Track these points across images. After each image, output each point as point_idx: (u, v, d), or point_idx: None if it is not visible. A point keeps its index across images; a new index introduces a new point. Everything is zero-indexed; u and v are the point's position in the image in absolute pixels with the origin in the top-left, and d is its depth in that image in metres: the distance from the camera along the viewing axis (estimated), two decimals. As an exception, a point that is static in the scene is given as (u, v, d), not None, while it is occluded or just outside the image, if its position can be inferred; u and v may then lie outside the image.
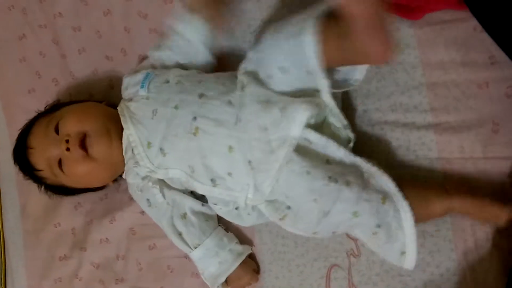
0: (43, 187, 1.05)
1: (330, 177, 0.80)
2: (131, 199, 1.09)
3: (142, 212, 1.08)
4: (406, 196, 0.82)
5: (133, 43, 1.09)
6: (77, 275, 1.14)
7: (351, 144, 0.88)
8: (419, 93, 0.90)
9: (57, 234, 1.16)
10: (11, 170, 1.18)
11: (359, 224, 0.83)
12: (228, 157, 0.84)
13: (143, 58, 1.05)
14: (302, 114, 0.80)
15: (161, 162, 0.90)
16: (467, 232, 0.88)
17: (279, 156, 0.81)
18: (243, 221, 0.93)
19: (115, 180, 1.05)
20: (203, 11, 0.94)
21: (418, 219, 0.82)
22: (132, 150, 0.92)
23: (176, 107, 0.88)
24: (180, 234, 0.96)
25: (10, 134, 1.20)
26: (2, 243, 1.21)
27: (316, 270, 0.98)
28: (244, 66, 0.88)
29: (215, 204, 0.92)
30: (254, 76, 0.86)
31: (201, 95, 0.87)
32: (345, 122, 0.86)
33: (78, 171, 0.94)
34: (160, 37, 1.02)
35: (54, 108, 1.03)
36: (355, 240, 0.95)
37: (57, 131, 0.94)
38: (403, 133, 0.91)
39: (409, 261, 0.84)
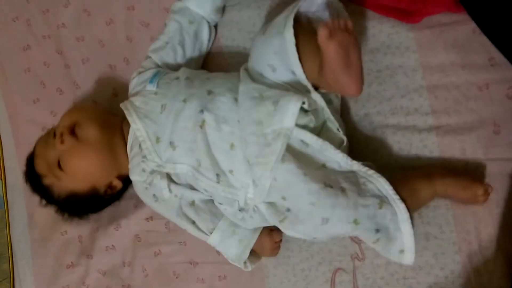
0: (58, 209, 1.04)
1: (325, 183, 0.81)
2: (136, 206, 1.10)
3: (147, 219, 1.09)
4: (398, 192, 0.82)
5: (136, 52, 1.10)
6: (84, 282, 1.15)
7: (344, 145, 0.87)
8: (419, 95, 0.90)
9: (64, 242, 1.17)
10: (18, 179, 1.19)
11: (360, 233, 0.84)
12: (230, 154, 0.86)
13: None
14: (294, 104, 0.80)
15: (169, 156, 0.90)
16: (471, 234, 0.88)
17: (275, 149, 0.81)
18: (246, 224, 0.93)
19: (127, 183, 1.03)
20: None
21: (411, 209, 0.83)
22: (140, 145, 0.92)
23: (184, 101, 0.89)
24: (193, 223, 0.95)
25: (16, 143, 1.21)
26: (10, 252, 1.22)
27: (320, 274, 0.98)
28: (245, 65, 0.91)
29: (221, 204, 0.92)
30: (249, 73, 0.89)
31: (209, 92, 0.89)
32: (336, 124, 0.86)
33: (74, 161, 0.95)
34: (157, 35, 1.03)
35: None
36: (359, 243, 0.95)
37: (55, 134, 0.97)
38: (405, 136, 0.91)
39: (408, 258, 0.84)
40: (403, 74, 0.91)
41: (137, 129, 0.92)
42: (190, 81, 0.93)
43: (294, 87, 0.85)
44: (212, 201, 0.94)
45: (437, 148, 0.90)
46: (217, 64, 1.05)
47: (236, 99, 0.87)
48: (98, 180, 0.99)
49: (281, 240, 0.97)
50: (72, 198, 1.00)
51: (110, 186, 1.01)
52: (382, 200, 0.82)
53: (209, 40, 1.02)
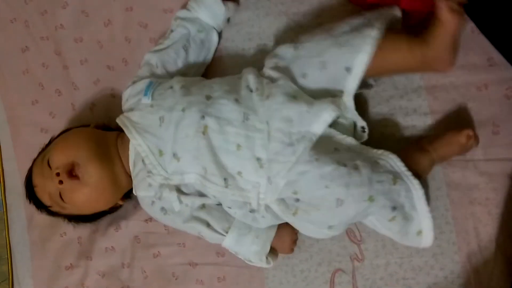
0: (66, 220, 1.05)
1: (338, 162, 0.80)
2: (135, 207, 1.09)
3: (147, 220, 1.09)
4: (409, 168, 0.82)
5: (134, 52, 1.10)
6: (83, 284, 1.14)
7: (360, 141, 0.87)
8: (418, 96, 0.90)
9: (63, 243, 1.16)
10: (17, 181, 1.19)
11: (375, 211, 0.82)
12: (237, 155, 0.85)
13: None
14: (328, 113, 0.81)
15: (175, 168, 0.89)
16: (471, 234, 0.88)
17: (297, 151, 0.81)
18: (259, 224, 0.92)
19: (127, 198, 1.03)
20: None
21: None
22: (143, 160, 0.92)
23: (183, 110, 0.88)
24: (208, 224, 0.94)
25: (15, 145, 1.21)
26: (9, 253, 1.21)
27: (320, 275, 0.98)
28: (275, 61, 0.88)
29: (230, 208, 0.91)
30: (285, 72, 0.87)
31: (208, 97, 0.88)
32: (363, 123, 0.87)
33: (77, 199, 0.94)
34: (158, 40, 1.03)
35: (49, 143, 1.04)
36: (358, 244, 0.95)
37: (50, 165, 0.95)
38: (404, 136, 0.91)
39: (427, 239, 0.83)
40: (402, 75, 0.91)
41: (138, 144, 0.91)
42: (186, 89, 0.91)
43: (328, 91, 0.84)
44: (221, 205, 0.93)
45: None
46: (215, 64, 1.04)
47: (236, 100, 0.86)
48: (103, 207, 1.01)
49: (297, 236, 0.97)
50: (74, 216, 1.03)
51: (114, 205, 1.03)
52: (396, 176, 0.81)
53: (216, 48, 1.02)
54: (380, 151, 0.83)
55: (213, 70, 1.04)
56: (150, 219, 1.09)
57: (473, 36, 0.86)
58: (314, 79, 0.84)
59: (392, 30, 0.82)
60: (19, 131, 1.20)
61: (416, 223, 0.82)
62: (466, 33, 0.87)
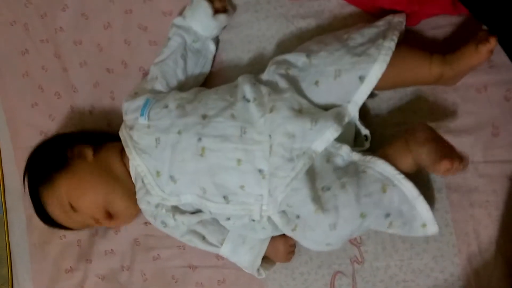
0: None
1: (323, 188, 0.82)
2: (135, 210, 1.09)
3: (146, 223, 1.09)
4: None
5: (134, 55, 1.10)
6: (83, 286, 1.14)
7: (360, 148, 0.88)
8: (417, 98, 0.90)
9: (62, 246, 1.16)
10: (16, 184, 1.19)
11: (370, 223, 0.82)
12: (238, 170, 0.85)
13: (146, 74, 1.06)
14: (331, 132, 0.81)
15: (172, 189, 0.90)
16: (471, 236, 0.88)
17: (296, 167, 0.82)
18: (257, 234, 0.93)
19: None
20: None
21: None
22: (142, 180, 0.93)
23: (179, 132, 0.88)
24: (203, 238, 0.96)
25: (14, 147, 1.21)
26: (8, 256, 1.22)
27: (320, 278, 0.98)
28: (285, 67, 0.87)
29: (228, 219, 0.91)
30: (294, 82, 0.86)
31: (204, 116, 0.88)
32: (367, 131, 0.87)
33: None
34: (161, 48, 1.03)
35: (41, 170, 1.01)
36: (358, 246, 0.95)
37: (73, 208, 0.97)
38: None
39: (432, 229, 0.82)
40: (401, 77, 0.91)
41: (138, 165, 0.92)
42: (182, 108, 0.91)
43: (336, 99, 0.84)
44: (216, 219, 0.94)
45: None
46: (215, 67, 1.04)
47: (232, 115, 0.86)
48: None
49: (295, 245, 0.96)
50: None
51: None
52: (384, 184, 0.80)
53: (214, 56, 1.02)
54: (368, 157, 0.82)
55: (213, 73, 1.04)
56: (149, 222, 1.09)
57: (473, 38, 0.86)
58: (326, 87, 0.84)
59: (405, 43, 0.83)
60: (19, 133, 1.20)
61: (419, 220, 0.82)
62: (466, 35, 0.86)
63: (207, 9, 0.96)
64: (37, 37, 1.17)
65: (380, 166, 0.81)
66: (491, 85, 0.86)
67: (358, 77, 0.81)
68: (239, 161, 0.85)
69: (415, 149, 0.80)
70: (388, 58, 0.80)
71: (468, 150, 0.87)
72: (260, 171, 0.84)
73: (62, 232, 1.16)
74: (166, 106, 0.92)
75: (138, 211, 1.00)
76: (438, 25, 0.88)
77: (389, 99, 0.92)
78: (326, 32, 0.93)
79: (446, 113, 0.89)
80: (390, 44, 0.80)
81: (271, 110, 0.84)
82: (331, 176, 0.82)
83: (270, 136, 0.84)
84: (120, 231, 1.11)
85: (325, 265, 0.97)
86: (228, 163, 0.85)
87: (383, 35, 0.82)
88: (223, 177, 0.86)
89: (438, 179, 0.90)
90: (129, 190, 0.96)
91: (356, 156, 0.84)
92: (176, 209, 0.93)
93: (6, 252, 1.22)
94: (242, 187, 0.86)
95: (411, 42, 0.85)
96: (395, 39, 0.81)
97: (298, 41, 0.98)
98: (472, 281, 0.88)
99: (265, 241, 0.94)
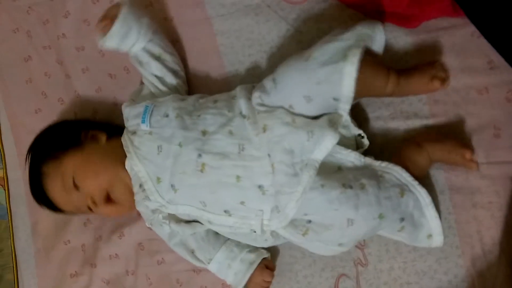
0: None
1: (344, 184, 0.81)
2: (138, 214, 1.09)
3: (150, 227, 1.09)
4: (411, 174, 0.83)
5: (136, 61, 1.11)
6: (88, 291, 1.15)
7: (363, 149, 0.88)
8: (419, 100, 0.90)
9: (67, 251, 1.17)
10: (21, 190, 1.20)
11: (385, 226, 0.83)
12: (238, 187, 0.85)
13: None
14: (329, 140, 0.81)
15: (172, 197, 0.91)
16: (474, 237, 0.88)
17: (302, 180, 0.81)
18: (258, 244, 0.94)
19: None
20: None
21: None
22: (140, 185, 0.93)
23: (180, 145, 0.89)
24: (192, 252, 0.98)
25: (18, 153, 1.21)
26: (14, 262, 1.22)
27: (324, 280, 0.98)
28: (258, 94, 0.86)
29: (230, 226, 0.91)
30: (271, 108, 0.85)
31: (204, 132, 0.88)
32: (360, 131, 0.87)
33: (108, 214, 1.00)
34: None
35: (50, 147, 1.01)
36: (362, 249, 0.95)
37: (75, 185, 0.97)
38: (405, 140, 0.91)
39: (437, 241, 0.85)
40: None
41: (139, 171, 0.92)
42: (181, 119, 0.91)
43: (323, 111, 0.84)
44: (212, 231, 0.95)
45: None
46: (216, 71, 1.04)
47: (230, 132, 0.86)
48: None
49: (270, 282, 0.97)
50: None
51: None
52: (402, 189, 0.82)
53: (175, 63, 1.02)
54: (384, 164, 0.84)
55: (214, 78, 1.05)
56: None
57: (473, 40, 0.86)
58: (302, 109, 0.83)
59: (369, 58, 0.81)
60: (23, 139, 1.20)
61: (426, 228, 0.85)
62: (466, 37, 0.86)
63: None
64: (40, 44, 1.18)
65: (398, 172, 0.83)
66: (492, 87, 0.86)
67: (333, 99, 0.81)
68: (238, 177, 0.85)
69: (434, 148, 0.84)
70: (352, 82, 0.78)
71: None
72: (260, 187, 0.85)
73: (66, 237, 1.16)
74: (167, 115, 0.92)
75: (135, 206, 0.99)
76: (438, 27, 0.88)
77: (390, 102, 0.92)
78: (327, 36, 0.93)
79: (447, 114, 0.88)
80: (350, 69, 0.78)
81: (264, 130, 0.84)
82: (349, 175, 0.83)
83: (269, 155, 0.84)
84: (124, 235, 1.12)
85: (328, 268, 0.97)
86: (227, 180, 0.85)
87: (344, 56, 0.79)
88: (223, 193, 0.86)
89: (440, 181, 0.90)
90: (121, 169, 0.96)
91: (368, 160, 0.84)
92: (172, 217, 0.93)
93: (12, 257, 1.22)
94: (242, 202, 0.86)
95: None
96: (355, 62, 0.78)
97: (298, 45, 0.98)
98: (476, 282, 0.88)
99: (249, 271, 0.95)
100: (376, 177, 0.83)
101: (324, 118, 0.83)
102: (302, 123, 0.82)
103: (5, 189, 1.23)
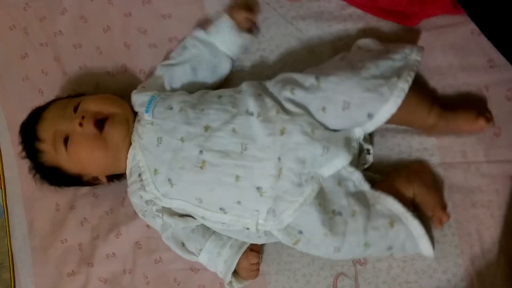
0: (33, 168, 1.03)
1: (334, 211, 0.83)
2: (135, 213, 1.09)
3: (147, 226, 1.08)
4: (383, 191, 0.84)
5: (133, 58, 1.10)
6: (85, 290, 1.14)
7: (365, 166, 0.89)
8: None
9: (64, 250, 1.16)
10: (18, 188, 1.19)
11: (372, 252, 0.86)
12: (236, 186, 0.85)
13: (147, 75, 1.06)
14: (340, 162, 0.82)
15: (167, 191, 0.90)
16: (473, 237, 0.88)
17: (305, 192, 0.82)
18: (252, 241, 0.94)
19: (111, 181, 1.03)
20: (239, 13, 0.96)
21: None
22: (139, 174, 0.93)
23: (182, 140, 0.88)
24: (183, 244, 0.97)
25: (15, 152, 1.20)
26: (10, 261, 1.21)
27: (322, 279, 0.97)
28: (291, 87, 0.85)
29: (223, 223, 0.91)
30: (301, 106, 0.84)
31: (206, 128, 0.87)
32: (370, 147, 0.88)
33: (84, 148, 0.93)
34: (169, 52, 1.03)
35: (79, 95, 1.04)
36: (360, 248, 0.95)
37: (75, 111, 0.95)
38: (404, 138, 0.91)
39: (427, 253, 0.86)
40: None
41: (140, 160, 0.92)
42: (185, 113, 0.90)
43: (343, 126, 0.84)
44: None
45: (437, 151, 0.89)
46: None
47: (234, 130, 0.86)
48: (90, 172, 1.00)
49: (258, 263, 0.96)
50: (54, 171, 1.00)
51: (95, 177, 1.02)
52: (393, 219, 0.83)
53: (226, 74, 1.01)
54: (377, 193, 0.84)
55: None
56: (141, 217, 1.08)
57: (473, 38, 0.86)
58: (333, 115, 0.83)
59: (417, 86, 0.82)
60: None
61: (418, 252, 0.86)
62: (466, 35, 0.86)
63: (232, 26, 0.95)
64: (37, 41, 1.17)
65: (390, 203, 0.83)
66: (492, 85, 0.86)
67: (367, 114, 0.81)
68: (237, 177, 0.85)
69: (418, 191, 0.85)
70: (400, 101, 0.79)
71: (470, 150, 0.87)
72: (258, 188, 0.84)
73: (63, 236, 1.15)
74: (171, 108, 0.92)
75: (96, 166, 0.97)
76: (438, 25, 0.88)
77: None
78: (326, 34, 0.93)
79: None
80: (403, 86, 0.79)
81: (282, 133, 0.83)
82: (342, 200, 0.84)
83: (279, 159, 0.83)
84: (121, 234, 1.11)
85: (327, 267, 0.97)
86: (226, 179, 0.85)
87: (398, 74, 0.80)
88: (220, 192, 0.86)
89: (439, 180, 0.89)
90: (126, 145, 0.95)
91: (366, 187, 0.85)
92: (165, 210, 0.93)
93: (8, 256, 1.22)
94: (239, 202, 0.86)
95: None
96: (410, 81, 0.79)
97: (297, 43, 0.97)
98: (475, 282, 0.88)
99: (236, 257, 0.94)
100: (367, 206, 0.84)
101: (342, 136, 0.83)
102: (321, 137, 0.82)
103: (1, 188, 1.23)
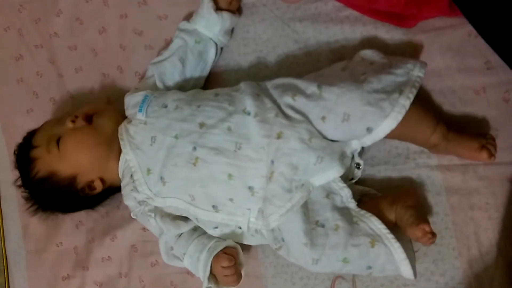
0: (29, 193, 1.03)
1: (317, 222, 0.83)
2: (131, 216, 1.08)
3: (143, 229, 1.08)
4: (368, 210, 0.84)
5: (129, 60, 1.10)
6: (80, 294, 1.13)
7: (353, 181, 0.90)
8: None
9: (59, 253, 1.15)
10: (12, 191, 1.18)
11: (351, 269, 0.85)
12: (228, 184, 0.85)
13: (142, 77, 1.06)
14: (332, 174, 0.82)
15: (160, 190, 0.90)
16: (471, 239, 0.88)
17: (293, 199, 0.83)
18: (246, 241, 0.93)
19: (106, 192, 1.02)
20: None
21: None
22: (131, 175, 0.92)
23: (176, 137, 0.88)
24: (171, 249, 0.96)
25: (9, 154, 1.20)
26: (5, 264, 1.20)
27: (320, 282, 0.97)
28: (292, 94, 0.84)
29: (216, 228, 0.91)
30: (301, 113, 0.84)
31: (201, 125, 0.87)
32: (361, 161, 0.88)
33: (74, 142, 0.95)
34: (159, 52, 1.03)
35: None
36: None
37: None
38: (402, 141, 0.91)
39: (408, 276, 0.84)
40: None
41: (130, 160, 0.92)
42: (180, 110, 0.90)
43: (340, 138, 0.84)
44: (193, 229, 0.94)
45: (435, 153, 0.89)
46: (211, 71, 1.03)
47: (229, 128, 0.86)
48: (82, 171, 0.97)
49: (231, 267, 0.90)
50: (48, 181, 0.97)
51: (89, 185, 0.99)
52: (374, 239, 0.82)
53: (214, 61, 1.01)
54: (362, 212, 0.84)
55: (209, 76, 1.03)
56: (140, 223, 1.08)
57: (470, 40, 0.86)
58: (332, 125, 0.83)
59: (417, 101, 0.81)
60: (14, 140, 1.17)
61: (398, 274, 0.85)
62: (463, 36, 0.86)
63: (209, 4, 0.95)
64: (32, 42, 1.16)
65: (373, 223, 0.83)
66: (489, 87, 0.86)
67: (366, 128, 0.81)
68: (230, 176, 0.85)
69: (400, 211, 0.83)
70: (400, 117, 0.79)
71: (467, 152, 0.86)
72: (250, 188, 0.85)
73: (58, 239, 1.15)
74: (165, 106, 0.91)
75: (90, 159, 0.96)
76: (435, 27, 0.88)
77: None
78: (323, 36, 0.93)
79: (444, 115, 0.88)
80: (405, 103, 0.79)
81: (278, 137, 0.83)
82: (327, 213, 0.84)
83: (272, 162, 0.83)
84: (117, 237, 1.10)
85: (324, 270, 0.96)
86: (219, 176, 0.85)
87: (400, 90, 0.80)
88: (212, 188, 0.86)
89: (437, 182, 0.89)
90: (119, 116, 0.98)
91: (352, 204, 0.85)
92: (158, 210, 0.93)
93: (3, 259, 1.21)
94: (231, 199, 0.86)
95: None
96: (411, 98, 0.79)
97: (294, 44, 0.97)
98: (473, 284, 0.88)
99: (211, 257, 0.91)
100: (351, 223, 0.84)
101: (338, 148, 0.83)
102: (317, 146, 0.82)
103: (-5, 190, 1.22)
